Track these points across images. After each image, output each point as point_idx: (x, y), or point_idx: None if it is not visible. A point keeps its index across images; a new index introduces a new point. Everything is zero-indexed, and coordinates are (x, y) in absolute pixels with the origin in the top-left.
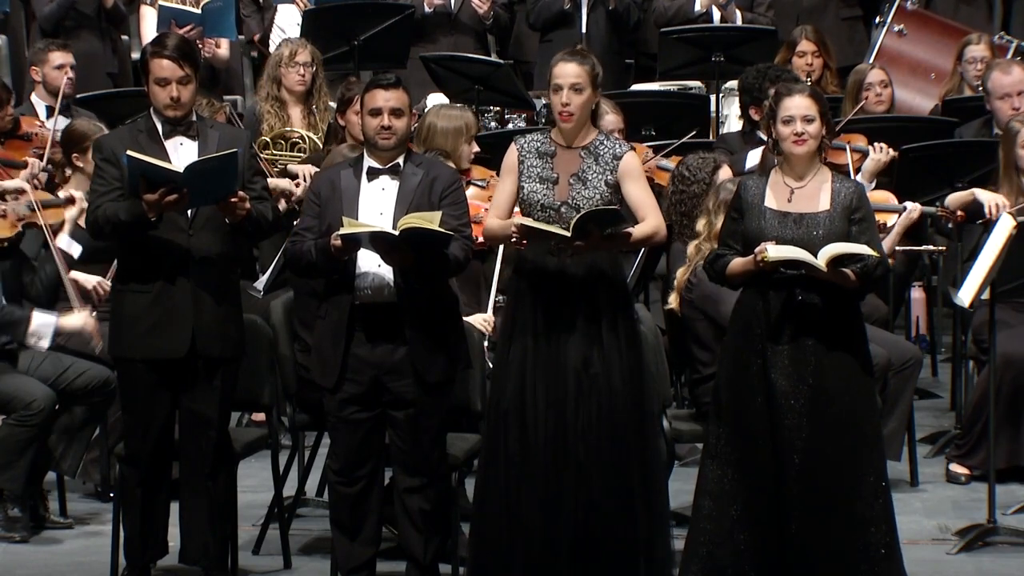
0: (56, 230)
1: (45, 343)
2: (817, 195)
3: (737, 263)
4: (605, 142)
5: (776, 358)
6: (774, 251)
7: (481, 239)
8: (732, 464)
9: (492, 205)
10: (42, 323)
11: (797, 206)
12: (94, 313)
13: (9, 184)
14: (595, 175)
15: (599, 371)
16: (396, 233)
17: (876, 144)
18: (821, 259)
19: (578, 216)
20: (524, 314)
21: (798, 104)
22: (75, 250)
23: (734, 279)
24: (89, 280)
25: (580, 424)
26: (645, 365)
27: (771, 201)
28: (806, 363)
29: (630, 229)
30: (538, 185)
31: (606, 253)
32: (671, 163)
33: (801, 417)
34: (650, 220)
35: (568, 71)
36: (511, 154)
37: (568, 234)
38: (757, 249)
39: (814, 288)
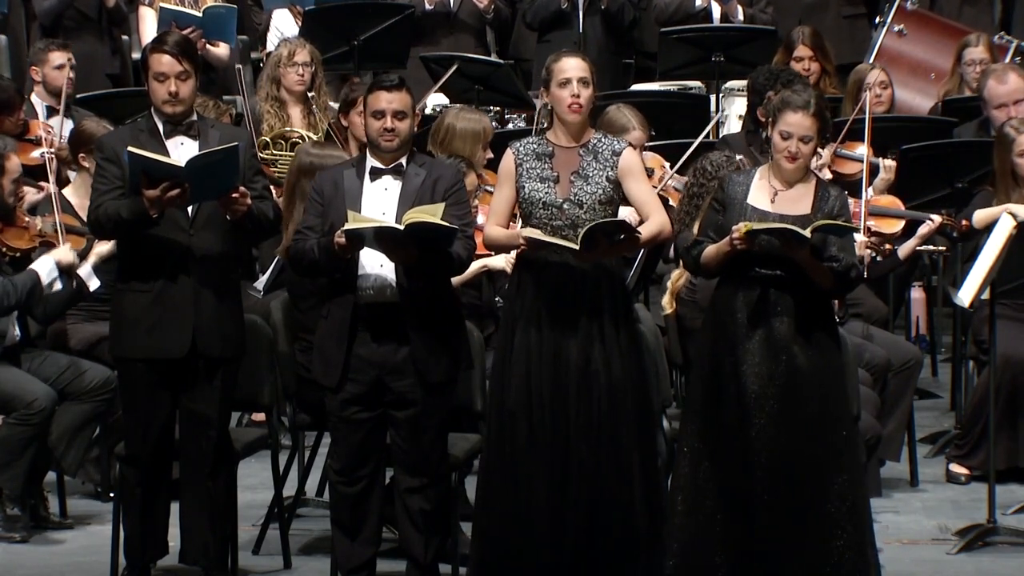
0: (81, 256)
1: (59, 284)
2: (800, 199)
3: (712, 248)
4: (603, 140)
5: (747, 356)
6: (756, 225)
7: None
8: (705, 460)
9: (491, 212)
10: (47, 270)
11: (779, 207)
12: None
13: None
14: (595, 171)
15: (599, 367)
16: (401, 228)
17: (885, 163)
18: (806, 230)
19: (585, 229)
20: (526, 308)
21: (799, 123)
22: (93, 283)
23: (709, 265)
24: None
25: (582, 421)
26: (645, 361)
27: (754, 199)
28: (777, 362)
29: (639, 230)
30: (539, 184)
31: None
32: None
33: (770, 416)
34: (655, 218)
35: (575, 65)
36: (507, 159)
37: (576, 246)
38: (735, 228)
39: (787, 289)
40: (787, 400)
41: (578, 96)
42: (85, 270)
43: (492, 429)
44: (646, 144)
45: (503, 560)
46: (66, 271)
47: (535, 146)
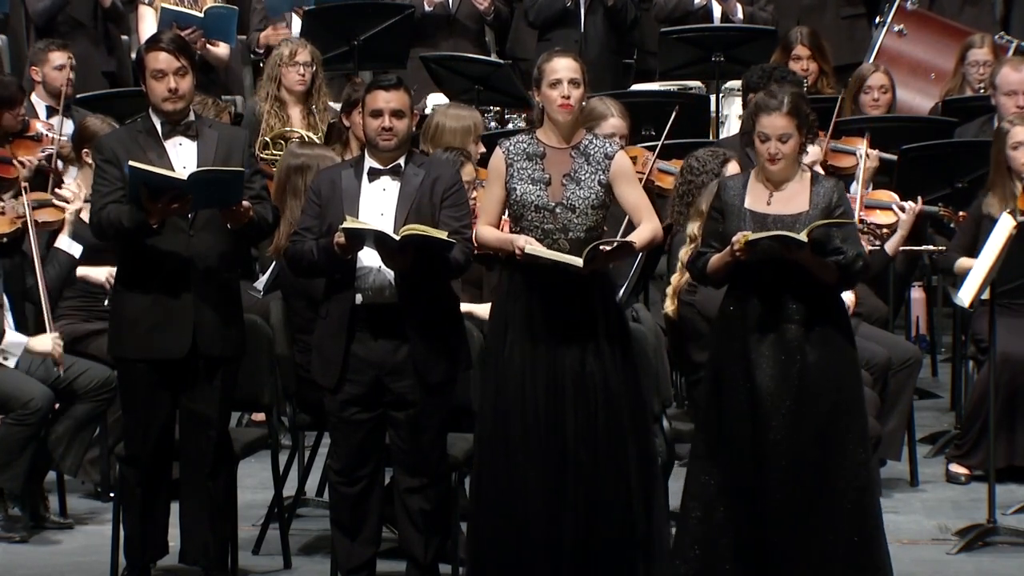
0: (56, 230)
1: (12, 362)
2: (795, 197)
3: (716, 258)
4: (595, 141)
5: (760, 360)
6: (753, 236)
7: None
8: (717, 466)
9: (481, 211)
10: (13, 342)
11: (776, 207)
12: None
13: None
14: (588, 175)
15: (594, 369)
16: (397, 238)
17: (863, 152)
18: (802, 234)
19: (588, 248)
20: (519, 310)
21: (774, 124)
22: (75, 250)
23: (715, 275)
24: (100, 273)
25: (580, 422)
26: (639, 362)
27: (750, 203)
28: (790, 364)
29: (632, 239)
30: (530, 187)
31: None
32: (671, 165)
33: (785, 418)
34: (647, 224)
35: (566, 65)
36: (497, 158)
37: (580, 263)
38: (734, 239)
39: (795, 290)
40: (802, 401)
41: (568, 97)
42: (64, 241)
43: (485, 430)
44: (626, 134)
45: (499, 561)
46: (35, 356)
47: (525, 145)
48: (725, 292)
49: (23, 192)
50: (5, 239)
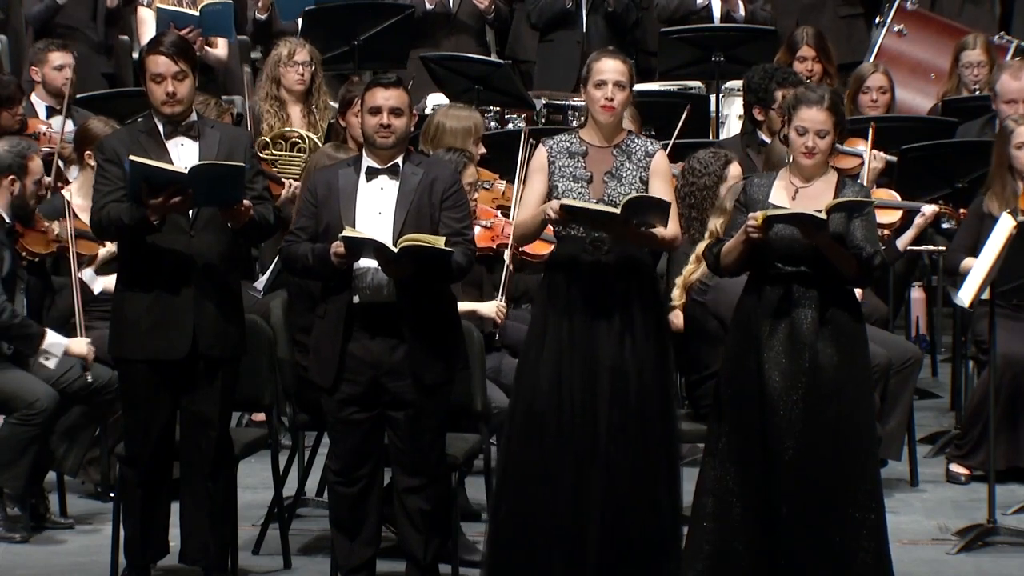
0: (88, 262)
1: (53, 363)
2: (821, 195)
3: (730, 242)
4: (636, 140)
5: (770, 354)
6: (772, 211)
7: (495, 241)
8: (732, 462)
9: (522, 204)
10: (54, 342)
11: (800, 204)
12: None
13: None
14: (629, 172)
15: (631, 369)
16: (395, 251)
17: (871, 152)
18: (821, 212)
19: (630, 196)
20: (558, 309)
21: (814, 118)
22: (96, 286)
23: (727, 257)
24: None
25: (612, 420)
26: (671, 362)
27: (775, 198)
28: (800, 359)
29: (657, 229)
30: (572, 184)
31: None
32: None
33: (794, 416)
34: (672, 225)
35: (613, 67)
36: (540, 154)
37: (617, 211)
38: (751, 215)
39: (811, 285)
40: (812, 398)
41: (611, 99)
42: (88, 274)
43: (516, 429)
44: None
45: (521, 557)
46: (73, 357)
47: (568, 144)
48: (743, 290)
49: (69, 217)
50: (37, 259)
